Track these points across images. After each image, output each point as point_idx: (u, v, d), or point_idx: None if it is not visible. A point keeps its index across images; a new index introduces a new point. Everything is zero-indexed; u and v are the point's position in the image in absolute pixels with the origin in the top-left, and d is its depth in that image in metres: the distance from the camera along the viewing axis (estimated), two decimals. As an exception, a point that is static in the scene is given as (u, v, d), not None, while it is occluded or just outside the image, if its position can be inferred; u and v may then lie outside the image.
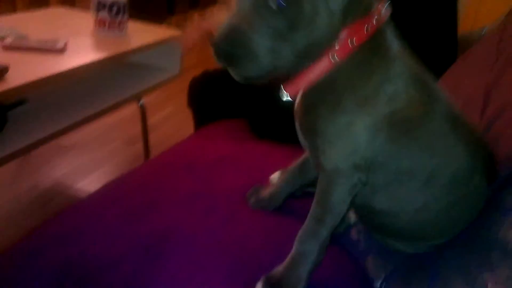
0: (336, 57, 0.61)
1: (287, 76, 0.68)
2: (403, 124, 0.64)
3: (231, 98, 1.33)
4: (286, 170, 0.92)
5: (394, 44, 0.65)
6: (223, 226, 0.82)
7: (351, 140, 0.63)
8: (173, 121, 2.44)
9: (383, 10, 0.63)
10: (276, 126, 1.22)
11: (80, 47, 1.37)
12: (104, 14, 1.49)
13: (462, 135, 0.68)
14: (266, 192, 0.89)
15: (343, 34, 0.61)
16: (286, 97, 0.68)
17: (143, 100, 1.81)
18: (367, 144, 0.63)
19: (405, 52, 0.66)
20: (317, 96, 0.65)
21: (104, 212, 0.83)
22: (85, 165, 1.97)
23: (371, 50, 0.63)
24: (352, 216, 0.87)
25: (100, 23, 1.51)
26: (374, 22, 0.62)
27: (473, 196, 0.69)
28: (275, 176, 0.97)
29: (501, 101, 0.79)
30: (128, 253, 0.73)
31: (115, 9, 1.51)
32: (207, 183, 0.94)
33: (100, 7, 1.49)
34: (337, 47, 0.61)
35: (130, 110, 2.08)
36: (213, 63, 0.63)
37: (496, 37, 0.94)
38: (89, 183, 1.84)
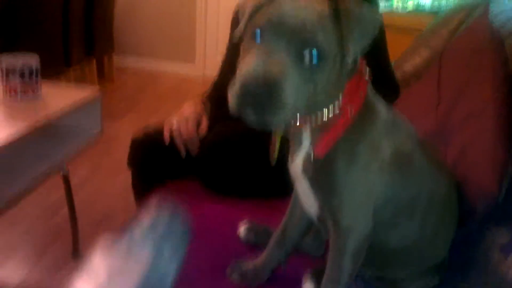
0: (352, 111, 0.65)
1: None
2: (398, 162, 0.70)
3: (176, 158, 1.24)
4: (256, 226, 0.94)
5: (372, 92, 0.70)
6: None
7: (367, 189, 0.67)
8: (92, 183, 2.24)
9: (364, 67, 0.68)
10: (234, 181, 1.16)
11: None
12: (14, 80, 1.32)
13: (438, 164, 0.78)
14: (250, 267, 0.85)
15: (347, 90, 0.65)
16: (312, 158, 0.67)
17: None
18: (379, 189, 0.68)
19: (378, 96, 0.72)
20: (333, 151, 0.66)
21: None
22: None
23: (368, 102, 0.68)
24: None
25: (10, 91, 1.33)
26: (365, 78, 0.68)
27: (455, 212, 0.78)
28: (242, 229, 0.96)
29: (461, 144, 0.84)
30: None
31: (27, 72, 1.35)
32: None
33: (8, 73, 1.32)
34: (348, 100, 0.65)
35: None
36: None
37: (434, 81, 1.00)
38: (7, 273, 1.58)
